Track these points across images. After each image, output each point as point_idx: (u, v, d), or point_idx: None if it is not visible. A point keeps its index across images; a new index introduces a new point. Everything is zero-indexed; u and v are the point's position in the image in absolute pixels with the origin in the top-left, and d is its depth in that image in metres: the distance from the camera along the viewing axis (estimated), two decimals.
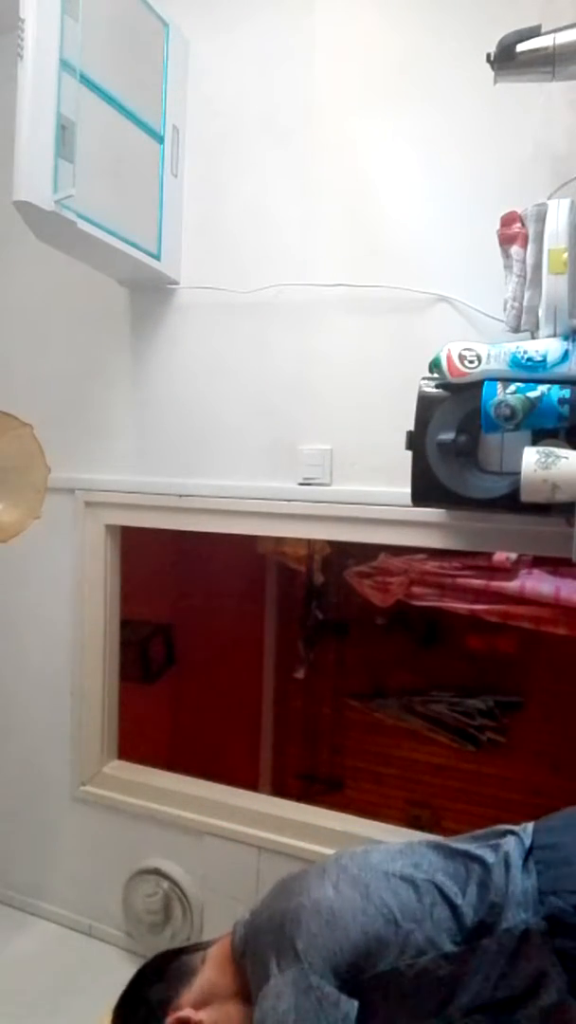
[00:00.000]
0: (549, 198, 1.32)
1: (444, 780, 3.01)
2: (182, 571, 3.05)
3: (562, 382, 1.26)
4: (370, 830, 1.79)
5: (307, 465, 1.71)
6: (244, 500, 1.78)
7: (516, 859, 1.04)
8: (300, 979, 0.95)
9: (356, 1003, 0.94)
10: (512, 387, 1.27)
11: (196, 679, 3.14)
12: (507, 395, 1.27)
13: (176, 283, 1.83)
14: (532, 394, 1.26)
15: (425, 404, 1.40)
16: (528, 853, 1.04)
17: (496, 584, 2.15)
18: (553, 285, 1.27)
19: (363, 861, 1.11)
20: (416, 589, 2.26)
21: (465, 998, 0.97)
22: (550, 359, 1.27)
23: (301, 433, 1.73)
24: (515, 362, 1.29)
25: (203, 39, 1.79)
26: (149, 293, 1.87)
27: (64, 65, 1.39)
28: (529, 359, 1.28)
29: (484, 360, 1.32)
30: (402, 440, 1.43)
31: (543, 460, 1.21)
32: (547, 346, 1.28)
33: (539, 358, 1.28)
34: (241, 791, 1.97)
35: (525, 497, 1.23)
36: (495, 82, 1.31)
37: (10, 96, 1.36)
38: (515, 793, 2.87)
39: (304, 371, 1.72)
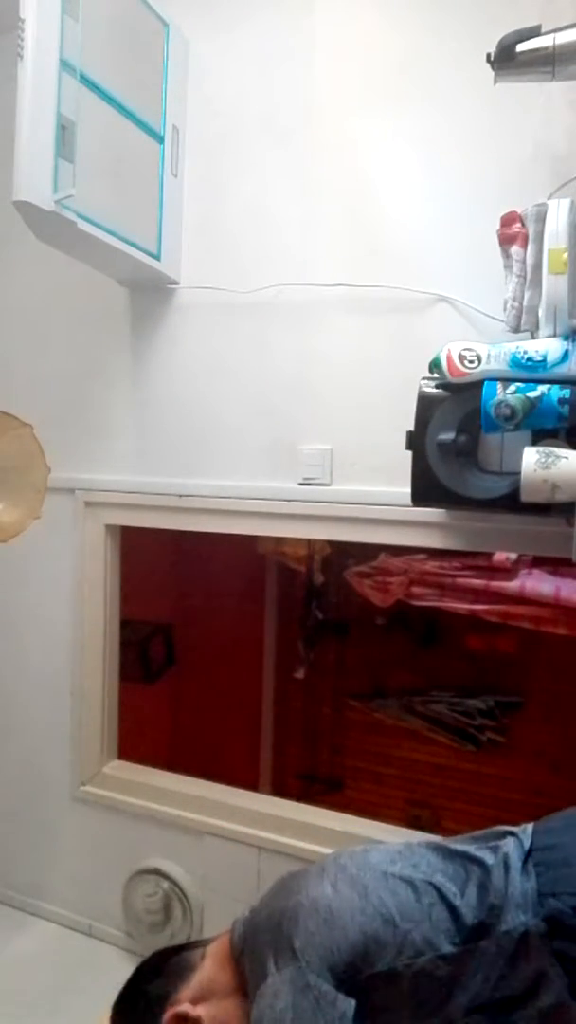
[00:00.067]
0: (549, 198, 1.32)
1: (444, 780, 3.01)
2: (182, 571, 3.05)
3: (562, 382, 1.26)
4: (370, 830, 1.79)
5: (307, 465, 1.71)
6: (244, 500, 1.78)
7: (515, 861, 1.03)
8: (297, 977, 0.95)
9: (353, 1002, 0.94)
10: (512, 387, 1.27)
11: (196, 679, 3.14)
12: (507, 395, 1.27)
13: (176, 283, 1.83)
14: (532, 394, 1.26)
15: (425, 404, 1.40)
16: (527, 855, 1.04)
17: (496, 584, 2.15)
18: (553, 285, 1.27)
19: (362, 861, 1.11)
20: (416, 589, 2.26)
21: (464, 999, 0.97)
22: (550, 359, 1.27)
23: (301, 433, 1.73)
24: (515, 362, 1.29)
25: (203, 39, 1.79)
26: (149, 293, 1.87)
27: (64, 65, 1.39)
28: (529, 359, 1.28)
29: (484, 360, 1.31)
30: (402, 440, 1.42)
31: (543, 460, 1.21)
32: (547, 346, 1.28)
33: (539, 358, 1.28)
34: (241, 791, 1.97)
35: (525, 497, 1.23)
36: (495, 82, 1.31)
37: (10, 96, 1.36)
38: (515, 793, 2.87)
39: (304, 371, 1.72)
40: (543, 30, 1.26)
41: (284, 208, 1.72)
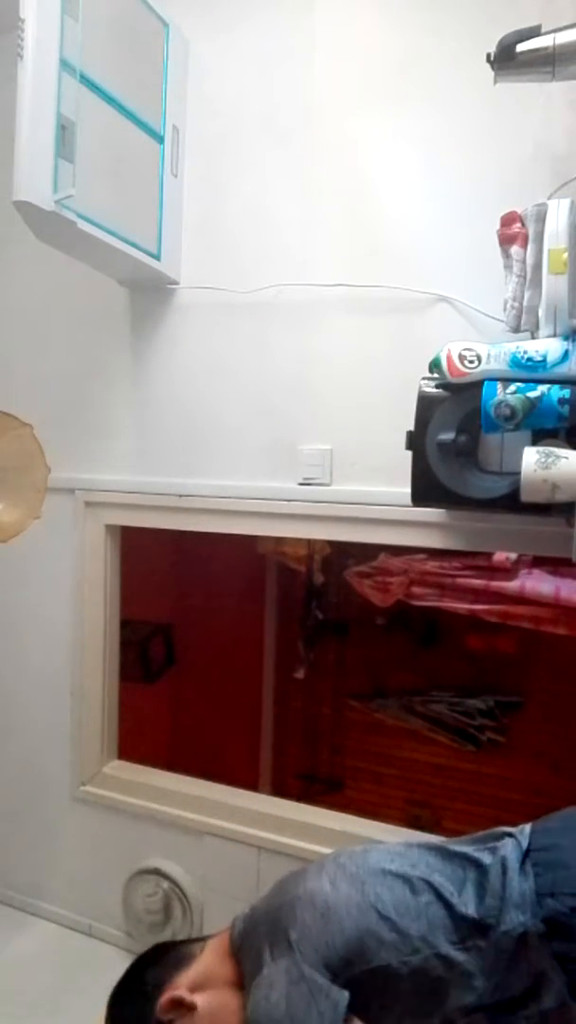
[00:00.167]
0: (549, 198, 1.32)
1: (444, 780, 3.01)
2: (182, 571, 3.05)
3: (562, 382, 1.26)
4: (370, 830, 1.79)
5: (307, 465, 1.71)
6: (244, 500, 1.78)
7: (513, 861, 1.04)
8: (292, 968, 0.96)
9: (347, 994, 0.95)
10: (512, 387, 1.27)
11: (196, 679, 3.15)
12: (507, 395, 1.27)
13: (176, 283, 1.83)
14: (532, 394, 1.26)
15: (425, 404, 1.40)
16: (525, 855, 1.05)
17: (496, 584, 2.15)
18: (553, 285, 1.27)
19: (361, 860, 1.11)
20: (416, 589, 2.26)
21: (462, 999, 0.98)
22: (550, 359, 1.27)
23: (301, 433, 1.73)
24: (515, 362, 1.29)
25: (203, 39, 1.79)
26: (149, 293, 1.87)
27: (64, 65, 1.39)
28: (529, 359, 1.28)
29: (484, 360, 1.31)
30: (402, 440, 1.42)
31: (543, 460, 1.21)
32: (547, 346, 1.28)
33: (539, 358, 1.28)
34: (241, 791, 1.97)
35: (525, 497, 1.23)
36: (495, 82, 1.31)
37: (10, 96, 1.36)
38: (515, 793, 2.87)
39: (304, 371, 1.72)
40: (543, 30, 1.26)
41: (284, 208, 1.72)
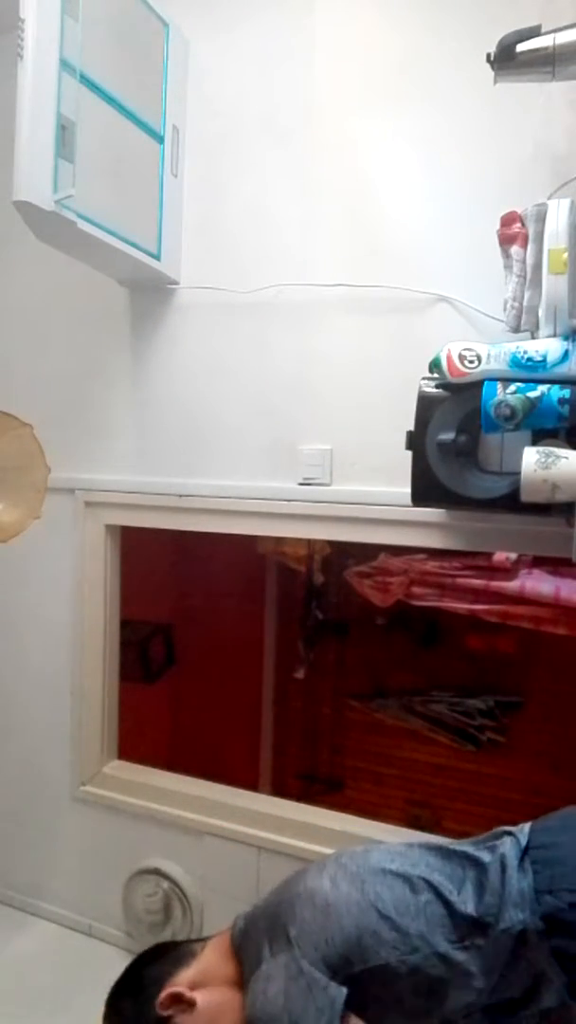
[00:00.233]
0: (549, 198, 1.32)
1: (444, 780, 3.01)
2: (182, 571, 3.05)
3: (562, 382, 1.26)
4: (370, 830, 1.79)
5: (307, 465, 1.71)
6: (244, 500, 1.78)
7: (512, 859, 1.04)
8: (291, 964, 0.97)
9: (345, 990, 0.96)
10: (512, 387, 1.27)
11: (196, 679, 3.14)
12: (507, 395, 1.27)
13: (176, 283, 1.83)
14: (532, 394, 1.26)
15: (425, 404, 1.40)
16: (524, 853, 1.05)
17: (496, 584, 2.15)
18: (553, 285, 1.27)
19: (362, 860, 1.12)
20: (416, 589, 2.26)
21: (462, 999, 0.98)
22: (550, 359, 1.27)
23: (301, 433, 1.73)
24: (515, 362, 1.29)
25: (203, 39, 1.79)
26: (149, 293, 1.87)
27: (64, 65, 1.39)
28: (529, 359, 1.28)
29: (484, 360, 1.31)
30: (402, 440, 1.42)
31: (543, 460, 1.21)
32: (547, 346, 1.28)
33: (539, 358, 1.28)
34: (241, 791, 1.97)
35: (525, 497, 1.23)
36: (495, 82, 1.31)
37: (10, 96, 1.36)
38: (515, 793, 2.87)
39: (304, 371, 1.72)
40: (543, 30, 1.26)
41: (284, 208, 1.72)
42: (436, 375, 1.39)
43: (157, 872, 1.94)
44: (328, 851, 1.61)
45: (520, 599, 2.13)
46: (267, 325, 1.74)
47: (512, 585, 2.13)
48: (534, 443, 1.29)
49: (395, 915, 1.01)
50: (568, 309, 1.28)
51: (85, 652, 2.01)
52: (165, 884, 1.93)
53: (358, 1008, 0.96)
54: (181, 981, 1.09)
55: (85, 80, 1.45)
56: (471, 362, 1.32)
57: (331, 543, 2.68)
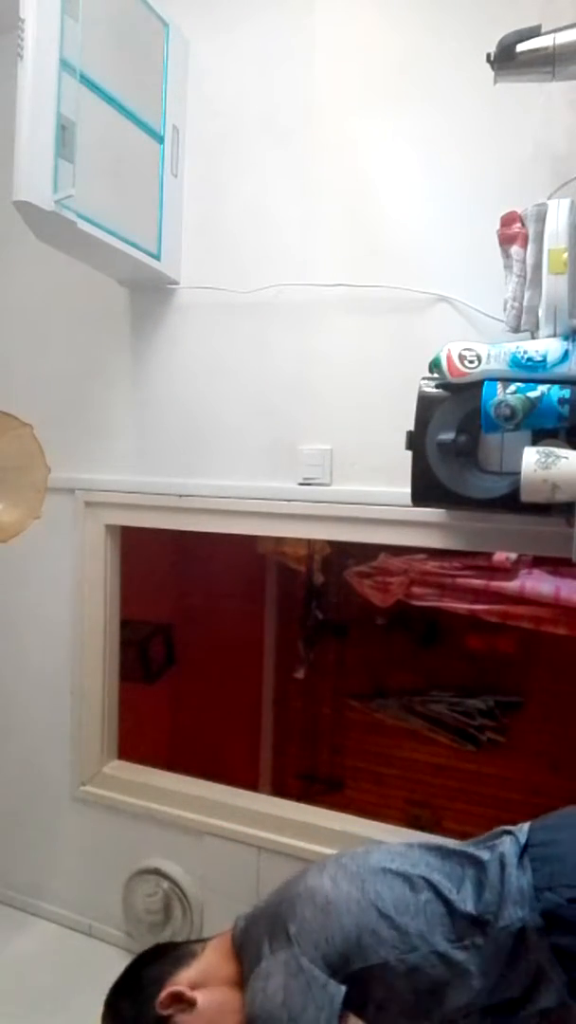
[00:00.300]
0: (549, 198, 1.32)
1: (444, 780, 3.01)
2: (182, 571, 3.05)
3: (562, 382, 1.26)
4: (370, 830, 1.79)
5: (307, 465, 1.71)
6: (244, 500, 1.78)
7: (511, 857, 1.04)
8: (291, 961, 0.97)
9: (344, 988, 0.96)
10: (512, 387, 1.27)
11: (196, 679, 3.15)
12: (507, 395, 1.27)
13: (176, 283, 1.83)
14: (532, 394, 1.26)
15: (425, 404, 1.40)
16: (523, 851, 1.05)
17: (496, 584, 2.16)
18: (553, 285, 1.27)
19: (362, 860, 1.12)
20: (416, 589, 2.26)
21: (462, 999, 0.98)
22: (550, 359, 1.27)
23: (301, 433, 1.73)
24: (515, 362, 1.29)
25: (203, 39, 1.79)
26: (149, 293, 1.87)
27: (64, 65, 1.39)
28: (529, 359, 1.28)
29: (484, 360, 1.31)
30: (402, 440, 1.43)
31: (543, 460, 1.21)
32: (547, 346, 1.28)
33: (539, 358, 1.28)
34: (241, 791, 1.97)
35: (525, 497, 1.23)
36: (495, 82, 1.31)
37: (10, 96, 1.36)
38: (515, 793, 2.87)
39: (304, 371, 1.72)
40: (543, 30, 1.26)
41: (284, 208, 1.72)
42: (436, 375, 1.39)
43: (157, 872, 1.94)
44: (328, 851, 1.62)
45: (520, 599, 2.13)
46: (267, 325, 1.74)
47: (512, 585, 2.13)
48: (534, 443, 1.29)
49: (395, 914, 1.01)
50: (568, 309, 1.28)
51: (85, 652, 2.01)
52: (165, 884, 1.93)
53: (357, 1007, 0.96)
54: (181, 981, 1.10)
55: (85, 80, 1.45)
56: (471, 362, 1.32)
57: (331, 543, 2.68)
